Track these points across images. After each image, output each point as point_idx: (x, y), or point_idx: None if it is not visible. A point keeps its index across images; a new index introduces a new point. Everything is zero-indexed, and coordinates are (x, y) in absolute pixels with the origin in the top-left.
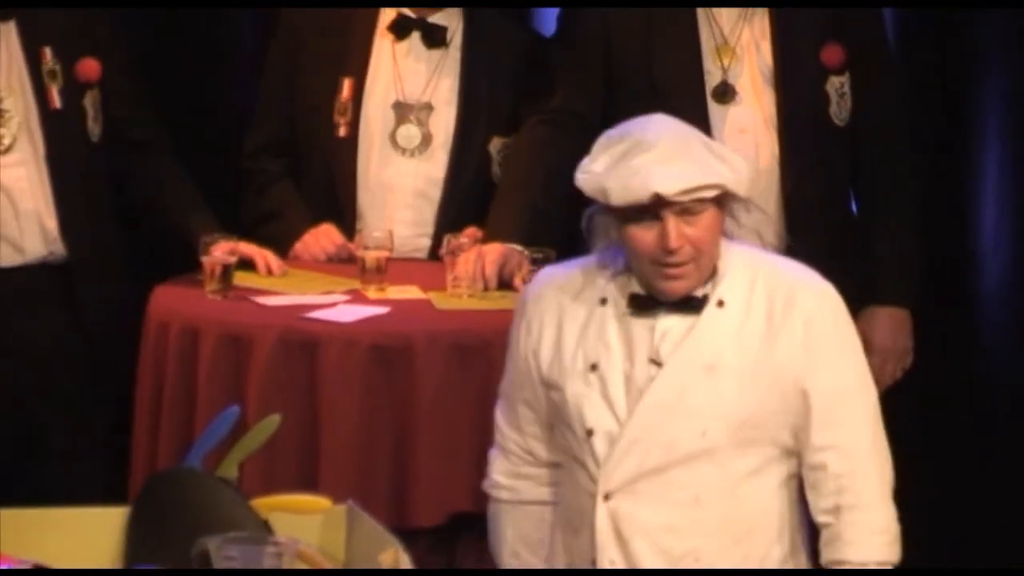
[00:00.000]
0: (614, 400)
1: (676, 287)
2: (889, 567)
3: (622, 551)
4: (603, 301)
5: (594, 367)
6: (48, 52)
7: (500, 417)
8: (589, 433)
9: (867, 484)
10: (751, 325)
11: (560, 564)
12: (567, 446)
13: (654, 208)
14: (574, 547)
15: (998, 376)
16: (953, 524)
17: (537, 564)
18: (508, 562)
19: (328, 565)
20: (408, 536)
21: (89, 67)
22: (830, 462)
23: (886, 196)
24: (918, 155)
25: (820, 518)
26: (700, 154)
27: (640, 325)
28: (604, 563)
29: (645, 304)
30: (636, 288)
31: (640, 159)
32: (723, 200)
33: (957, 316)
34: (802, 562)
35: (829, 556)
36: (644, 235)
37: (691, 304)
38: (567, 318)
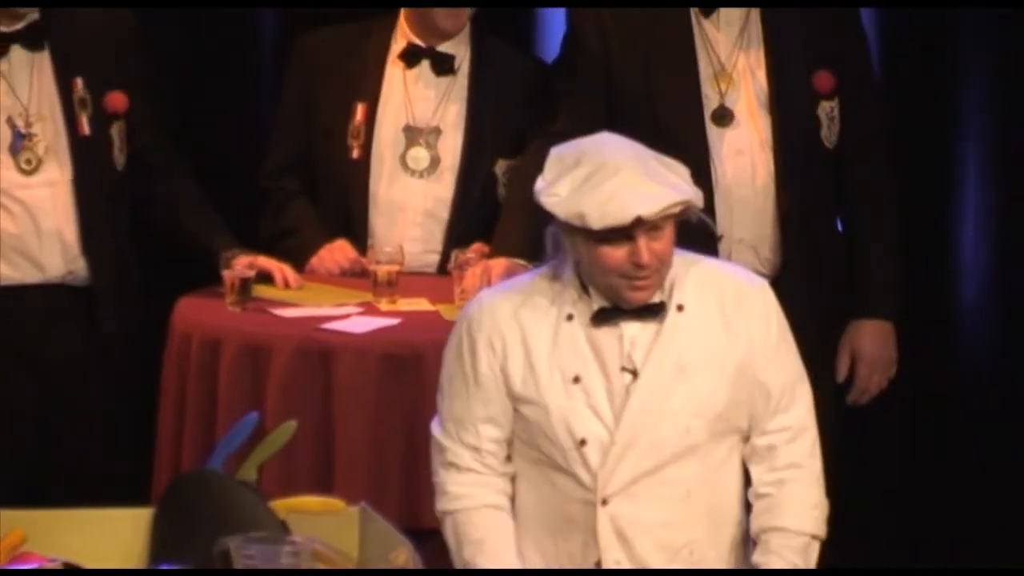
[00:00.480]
0: (600, 409)
1: (642, 296)
2: (818, 540)
3: (626, 551)
4: (569, 317)
5: (576, 379)
6: (80, 82)
7: (445, 439)
8: (582, 443)
9: (810, 463)
10: (709, 325)
11: (536, 565)
12: (544, 457)
13: (629, 229)
14: (560, 550)
15: (976, 381)
16: (932, 525)
17: (509, 562)
18: (479, 562)
19: (343, 564)
20: (419, 536)
21: (117, 100)
22: (779, 443)
23: (870, 215)
24: (899, 177)
25: (761, 489)
26: (662, 173)
27: (607, 336)
28: (610, 563)
29: (609, 315)
30: (598, 302)
31: (610, 183)
32: (682, 213)
33: (938, 328)
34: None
35: (766, 523)
36: (614, 253)
37: (652, 310)
38: (532, 335)
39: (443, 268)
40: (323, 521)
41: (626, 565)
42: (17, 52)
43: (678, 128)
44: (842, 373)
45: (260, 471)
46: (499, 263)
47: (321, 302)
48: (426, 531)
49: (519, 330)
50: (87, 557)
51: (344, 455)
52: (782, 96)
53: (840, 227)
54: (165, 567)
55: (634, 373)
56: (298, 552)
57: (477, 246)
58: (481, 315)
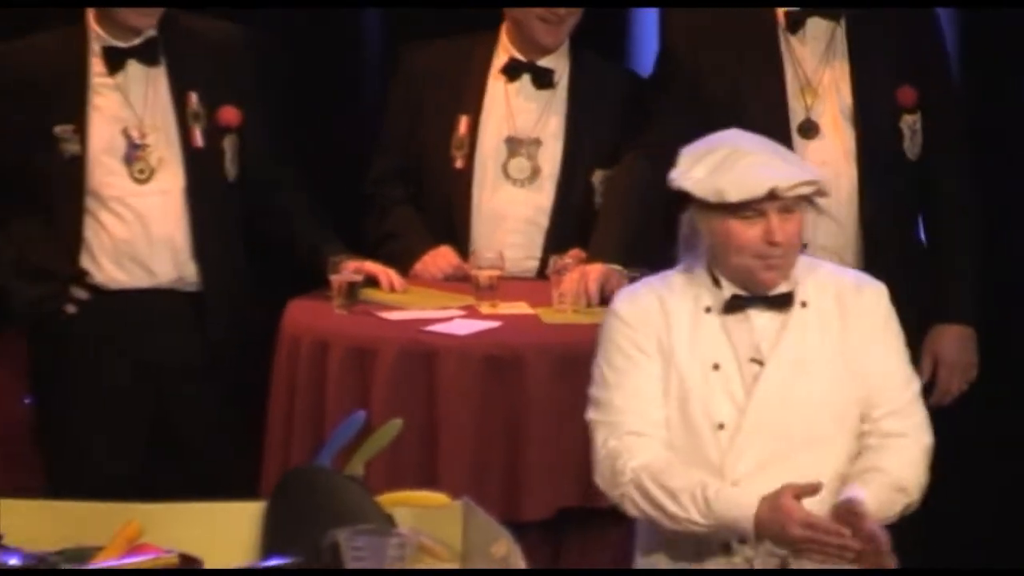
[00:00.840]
0: (735, 395)
1: (774, 277)
2: (908, 498)
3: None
4: (708, 309)
5: (716, 367)
6: (194, 97)
7: (603, 426)
8: (720, 427)
9: (917, 436)
10: (828, 323)
11: (658, 557)
12: (680, 441)
13: (761, 204)
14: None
15: None
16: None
17: (702, 480)
18: (683, 501)
19: (447, 556)
20: (518, 529)
21: (230, 114)
22: (887, 426)
23: (952, 224)
24: (980, 187)
25: (870, 440)
26: (791, 157)
27: (738, 326)
28: (735, 543)
29: (741, 303)
30: (730, 290)
31: (745, 161)
32: (810, 201)
33: (1017, 339)
34: None
35: (861, 465)
36: (748, 231)
37: (780, 301)
38: (674, 325)
39: (542, 273)
40: (427, 515)
41: (761, 553)
42: (133, 66)
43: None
44: (925, 376)
45: (367, 467)
46: (595, 268)
47: (425, 305)
48: (525, 524)
49: (664, 320)
50: (201, 549)
51: (447, 452)
52: (866, 110)
53: (923, 236)
54: (276, 560)
55: (760, 363)
56: (404, 544)
57: (575, 252)
58: (631, 308)
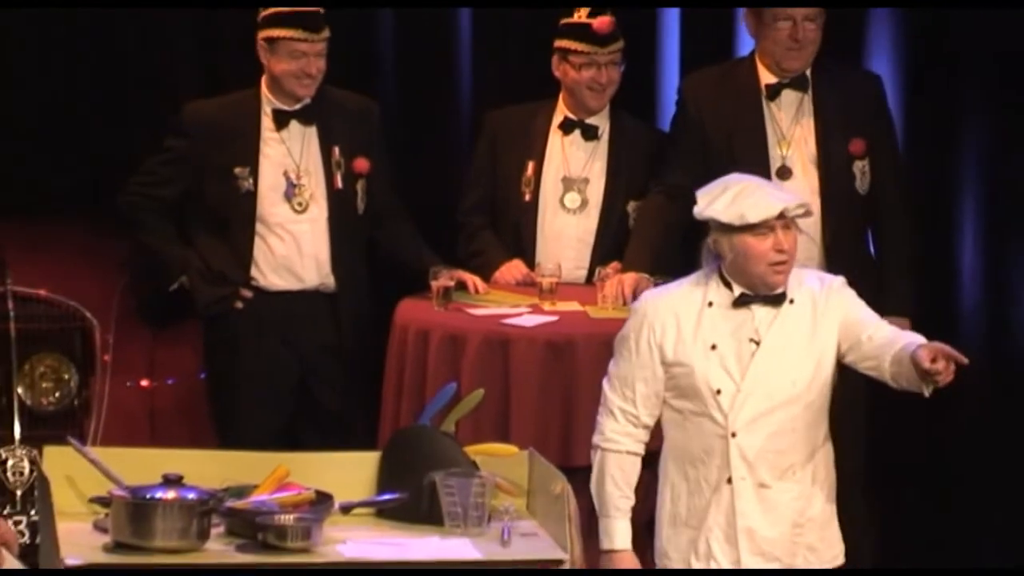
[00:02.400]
0: (731, 368)
1: (781, 280)
2: None
3: (749, 471)
4: (710, 304)
5: (714, 347)
6: (336, 150)
7: (611, 392)
8: (718, 392)
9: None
10: (807, 313)
11: (681, 490)
12: (690, 406)
13: (771, 223)
14: (699, 474)
15: (969, 373)
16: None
17: (628, 495)
18: (609, 491)
19: (516, 492)
20: (571, 472)
21: (362, 164)
22: (877, 334)
23: (893, 242)
24: (915, 215)
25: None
26: (785, 188)
27: (742, 316)
28: (737, 480)
29: (747, 300)
30: (739, 291)
31: (758, 193)
32: (803, 214)
33: (943, 329)
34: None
35: (894, 352)
36: (762, 244)
37: (776, 299)
38: (683, 318)
39: (589, 280)
40: (502, 462)
41: (749, 481)
42: (294, 125)
43: None
44: None
45: (457, 426)
46: (630, 276)
47: (502, 304)
48: (576, 468)
49: (674, 315)
50: (332, 487)
51: (517, 414)
52: (827, 157)
53: (871, 250)
54: (388, 495)
55: (757, 343)
56: (484, 483)
57: (614, 264)
58: (646, 309)
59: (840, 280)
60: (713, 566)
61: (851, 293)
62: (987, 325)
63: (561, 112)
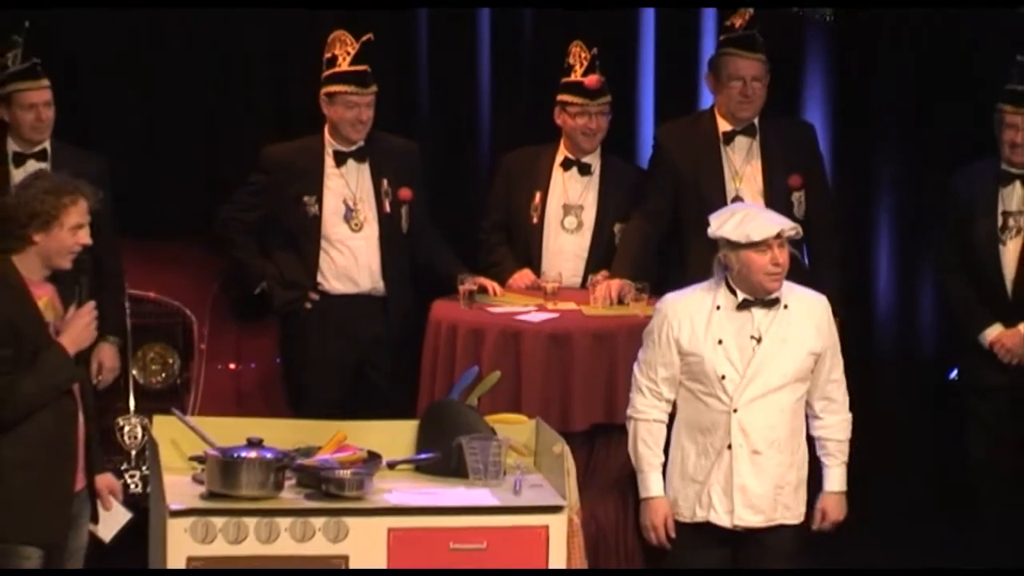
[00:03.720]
0: (733, 359)
1: (777, 286)
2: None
3: (746, 441)
4: (718, 307)
5: (720, 341)
6: (385, 182)
7: (639, 374)
8: (722, 377)
9: (843, 407)
10: (798, 318)
11: (690, 452)
12: (700, 387)
13: (769, 241)
14: (706, 441)
15: (881, 366)
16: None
17: (658, 454)
18: (642, 451)
19: (525, 453)
20: (568, 436)
21: (406, 193)
22: (832, 391)
23: (823, 256)
24: (840, 236)
25: (818, 409)
26: (777, 214)
27: (744, 317)
28: (736, 446)
29: (748, 304)
30: (742, 296)
31: (760, 217)
32: (794, 235)
33: (862, 329)
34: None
35: (822, 435)
36: (762, 258)
37: (772, 303)
38: (696, 317)
39: (583, 285)
40: (514, 428)
41: (745, 448)
42: (351, 162)
43: (712, 207)
44: None
45: (479, 400)
46: (616, 282)
47: (514, 304)
48: (573, 433)
49: (689, 315)
50: (381, 448)
51: (527, 390)
52: (771, 190)
53: (806, 262)
54: (425, 455)
55: (759, 340)
56: (500, 445)
57: (603, 272)
58: (666, 310)
59: (824, 301)
60: (712, 515)
61: (831, 321)
62: (897, 327)
63: (562, 153)
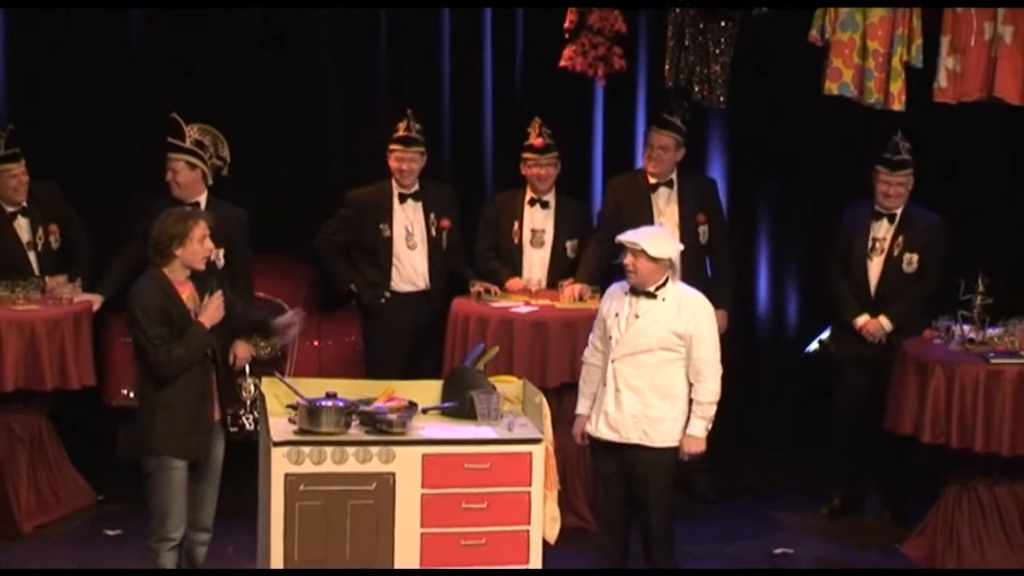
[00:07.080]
0: (621, 328)
1: (633, 279)
2: (714, 405)
3: (621, 385)
4: (626, 293)
5: (616, 315)
6: (432, 215)
7: (591, 335)
8: (610, 338)
9: (708, 379)
10: (669, 307)
11: (599, 387)
12: (602, 346)
13: (625, 248)
14: (601, 380)
15: (759, 344)
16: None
17: (589, 386)
18: (580, 384)
19: (516, 403)
20: (545, 390)
21: (445, 223)
22: (698, 366)
23: (720, 270)
24: (732, 252)
25: (692, 378)
26: (653, 235)
27: (632, 301)
28: (611, 389)
29: (635, 292)
30: (629, 286)
31: (640, 232)
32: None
33: (746, 320)
34: (684, 407)
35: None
36: (625, 258)
37: (650, 295)
38: (614, 300)
39: (548, 284)
40: (509, 386)
41: (612, 388)
42: (410, 201)
43: None
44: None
45: (485, 367)
46: (579, 285)
47: (508, 301)
48: (548, 388)
49: (609, 298)
50: (418, 399)
51: (519, 360)
52: (683, 224)
53: (709, 273)
54: (447, 404)
55: (637, 316)
56: (499, 397)
57: (570, 279)
58: (606, 295)
59: (707, 305)
60: (589, 427)
61: (710, 317)
62: (771, 317)
63: (529, 193)
